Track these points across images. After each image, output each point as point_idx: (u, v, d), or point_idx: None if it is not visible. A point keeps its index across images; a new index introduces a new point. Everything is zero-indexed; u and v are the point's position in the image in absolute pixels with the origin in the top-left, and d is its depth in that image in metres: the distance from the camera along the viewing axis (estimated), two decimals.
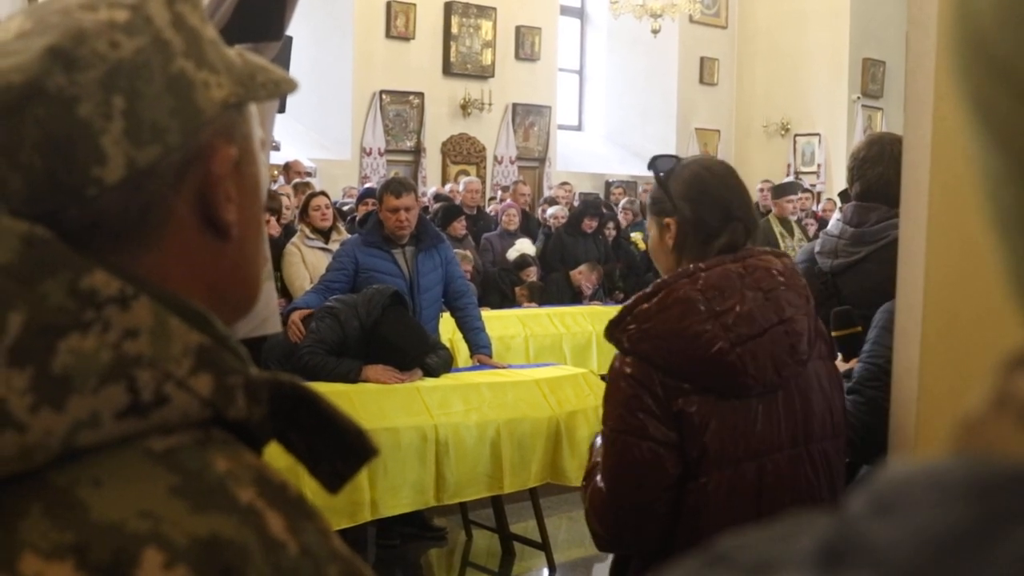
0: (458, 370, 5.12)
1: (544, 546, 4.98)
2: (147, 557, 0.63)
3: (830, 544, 0.32)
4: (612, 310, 8.64)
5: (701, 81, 16.61)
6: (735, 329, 1.97)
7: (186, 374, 0.70)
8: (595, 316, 7.64)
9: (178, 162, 0.75)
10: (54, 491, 0.65)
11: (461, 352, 5.73)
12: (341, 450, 0.78)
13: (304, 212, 6.57)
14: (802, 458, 2.08)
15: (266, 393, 0.75)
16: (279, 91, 0.83)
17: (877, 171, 3.14)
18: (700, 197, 2.11)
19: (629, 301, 2.10)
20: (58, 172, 0.70)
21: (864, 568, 0.31)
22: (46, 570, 0.62)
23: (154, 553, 0.63)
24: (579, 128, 16.61)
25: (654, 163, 2.23)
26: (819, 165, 15.92)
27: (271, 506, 0.69)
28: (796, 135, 16.25)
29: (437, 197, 10.05)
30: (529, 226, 9.57)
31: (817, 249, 3.30)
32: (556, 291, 8.38)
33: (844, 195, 8.79)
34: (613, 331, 2.08)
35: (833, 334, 2.86)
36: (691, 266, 2.04)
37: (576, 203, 10.68)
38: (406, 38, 13.33)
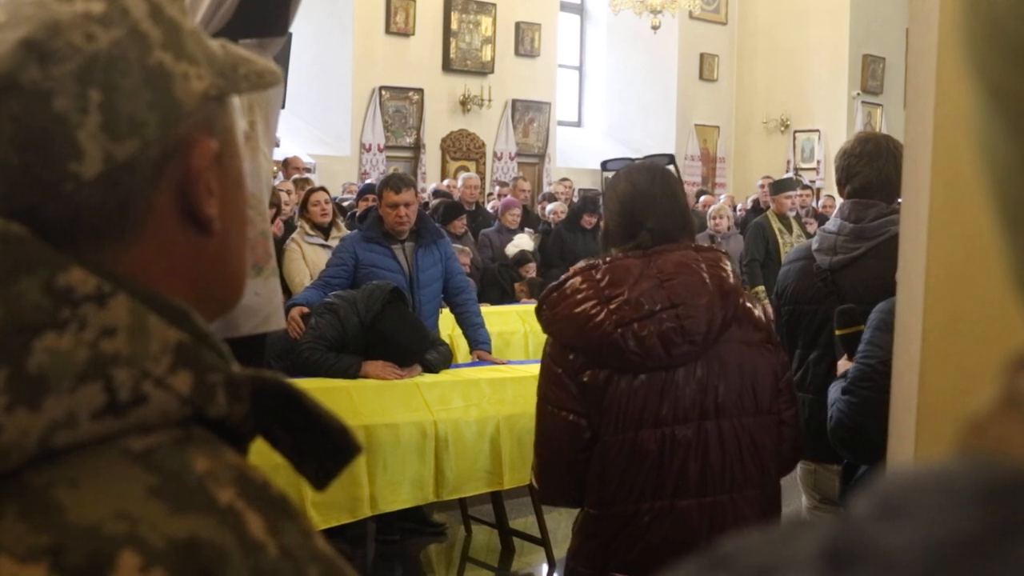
0: (458, 366, 5.12)
1: (544, 542, 4.98)
2: (123, 560, 0.62)
3: (835, 547, 0.32)
4: None
5: (701, 77, 16.60)
6: (620, 312, 2.29)
7: (164, 372, 0.69)
8: None
9: (157, 156, 0.73)
10: (30, 492, 0.64)
11: (460, 348, 5.74)
12: (327, 447, 0.77)
13: (304, 207, 6.57)
14: (710, 430, 2.36)
15: (248, 390, 0.74)
16: (262, 83, 0.82)
17: (876, 166, 3.14)
18: (618, 208, 2.47)
19: (545, 289, 2.45)
20: (34, 167, 0.69)
21: (872, 572, 0.30)
22: (20, 573, 0.61)
23: (130, 556, 0.62)
24: (579, 124, 16.60)
25: (606, 165, 2.42)
26: (818, 161, 15.90)
27: (251, 506, 0.67)
28: (796, 131, 16.25)
29: (436, 193, 10.04)
30: (528, 222, 9.57)
31: (815, 247, 3.29)
32: None
33: None
34: (537, 315, 2.46)
35: (836, 333, 2.86)
36: (596, 260, 2.40)
37: (575, 199, 10.67)
38: (406, 34, 13.32)
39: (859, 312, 2.79)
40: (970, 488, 0.31)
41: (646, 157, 2.59)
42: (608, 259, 2.37)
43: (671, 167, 2.61)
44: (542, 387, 2.42)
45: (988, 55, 0.34)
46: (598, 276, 2.33)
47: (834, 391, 2.69)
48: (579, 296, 2.32)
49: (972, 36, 0.35)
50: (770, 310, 8.24)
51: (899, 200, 3.10)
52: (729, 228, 9.75)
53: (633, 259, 2.35)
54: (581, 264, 2.42)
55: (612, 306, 2.29)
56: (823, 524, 0.34)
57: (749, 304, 2.44)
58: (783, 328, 3.32)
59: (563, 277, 2.41)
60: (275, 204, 6.66)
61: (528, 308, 7.91)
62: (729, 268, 2.42)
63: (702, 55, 16.55)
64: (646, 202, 2.42)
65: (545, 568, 5.11)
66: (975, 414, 0.35)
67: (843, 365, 2.79)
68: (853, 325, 2.79)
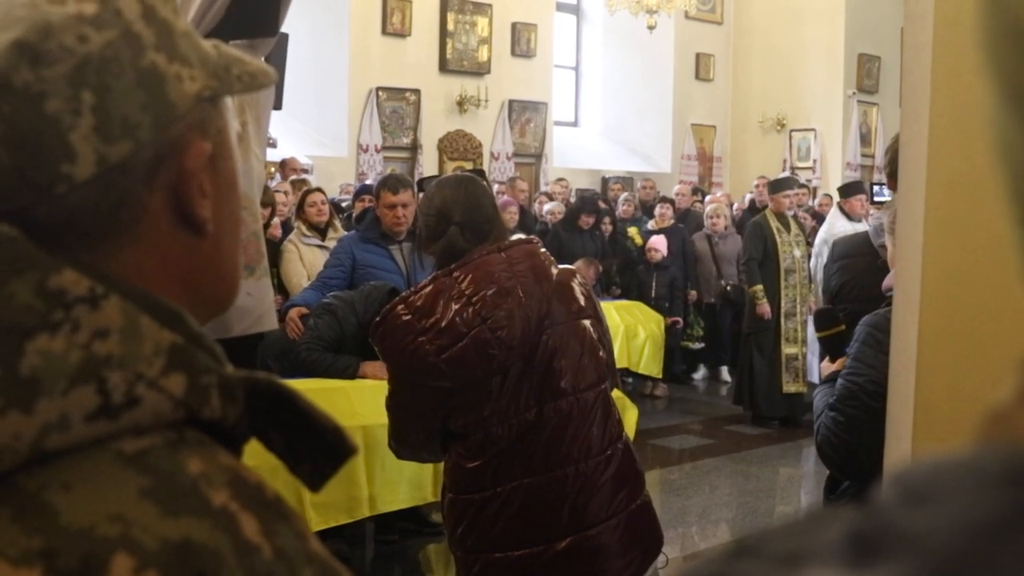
0: None
1: None
2: (117, 562, 0.62)
3: (861, 534, 0.32)
4: (608, 305, 8.54)
5: (697, 77, 16.60)
6: (437, 341, 2.48)
7: (158, 374, 0.68)
8: None
9: (150, 158, 0.73)
10: (23, 496, 0.64)
11: None
12: (321, 448, 0.77)
13: (300, 208, 6.57)
14: (549, 413, 2.59)
15: (241, 392, 0.74)
16: (255, 84, 0.82)
17: None
18: (426, 212, 2.70)
19: (372, 323, 2.63)
20: (26, 169, 0.68)
21: (901, 556, 0.30)
22: None
23: (124, 558, 0.62)
24: (575, 124, 16.60)
25: (421, 184, 2.89)
26: (815, 160, 15.91)
27: (245, 508, 0.67)
28: (792, 131, 16.25)
29: None
30: (525, 222, 9.57)
31: (881, 242, 3.23)
32: None
33: (843, 190, 8.79)
34: (372, 344, 2.67)
35: (817, 335, 2.85)
36: (407, 292, 2.61)
37: (572, 199, 10.67)
38: (402, 35, 13.32)
39: (838, 313, 2.78)
40: (996, 473, 0.31)
41: (422, 179, 2.92)
42: (417, 287, 2.59)
43: (481, 179, 2.93)
44: (399, 404, 2.69)
45: (1008, 57, 0.35)
46: (416, 305, 2.53)
47: (820, 399, 2.66)
48: (400, 330, 2.52)
49: (992, 37, 0.35)
50: (767, 309, 8.25)
51: None
52: (726, 228, 9.76)
53: (441, 281, 2.54)
54: (400, 295, 2.64)
55: (429, 336, 2.49)
56: (848, 512, 0.34)
57: (569, 279, 2.69)
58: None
59: (385, 309, 2.60)
60: (269, 204, 6.68)
61: None
62: (541, 252, 2.66)
63: (698, 55, 16.55)
64: (451, 203, 2.64)
65: None
66: (996, 406, 0.35)
67: (826, 367, 2.76)
68: (833, 327, 2.78)
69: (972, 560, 0.29)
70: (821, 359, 2.85)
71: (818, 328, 2.82)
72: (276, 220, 6.72)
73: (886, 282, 2.63)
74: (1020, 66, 0.34)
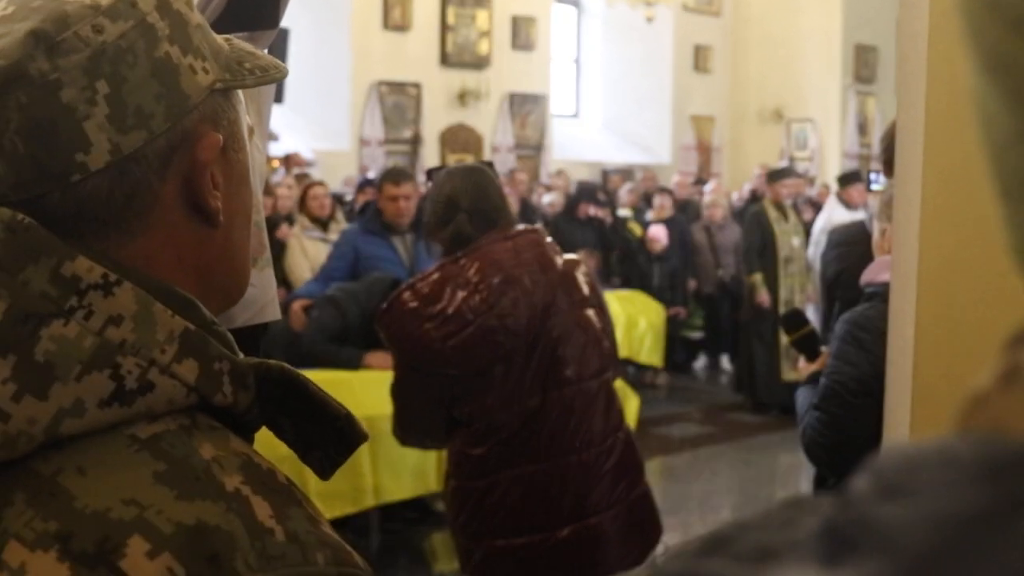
0: None
1: None
2: (132, 545, 0.62)
3: (836, 529, 0.31)
4: (609, 295, 8.59)
5: (696, 68, 16.58)
6: (443, 328, 2.50)
7: (170, 360, 0.69)
8: None
9: (163, 148, 0.74)
10: (38, 480, 0.65)
11: None
12: (332, 436, 0.78)
13: (302, 202, 6.60)
14: (553, 400, 2.60)
15: (253, 379, 0.74)
16: (267, 77, 0.83)
17: None
18: (435, 198, 2.72)
19: (379, 310, 2.66)
20: (41, 158, 0.69)
21: (875, 553, 0.29)
22: (30, 559, 0.62)
23: (139, 541, 0.63)
24: (575, 116, 16.58)
25: (430, 174, 2.90)
26: (813, 150, 15.92)
27: (257, 492, 0.68)
28: (790, 121, 16.25)
29: None
30: (525, 213, 9.59)
31: None
32: None
33: (841, 179, 8.79)
34: (378, 330, 2.70)
35: (788, 338, 2.86)
36: (414, 279, 2.64)
37: (572, 191, 10.67)
38: (403, 29, 13.31)
39: (804, 314, 2.80)
40: (973, 464, 0.30)
41: (430, 169, 3.01)
42: (424, 274, 2.61)
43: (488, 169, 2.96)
44: (404, 391, 2.69)
45: (987, 26, 0.34)
46: (423, 292, 2.54)
47: (802, 399, 2.66)
48: (407, 317, 2.54)
49: (970, 8, 0.35)
50: (767, 297, 8.27)
51: None
52: (724, 218, 9.77)
53: (448, 269, 2.55)
54: (407, 282, 2.64)
55: (435, 323, 2.51)
56: (823, 504, 0.33)
57: (574, 268, 2.69)
58: (835, 317, 3.23)
59: (392, 296, 2.62)
60: (269, 195, 6.69)
61: None
62: (547, 241, 2.67)
63: (696, 46, 16.53)
64: (460, 191, 2.66)
65: None
66: (974, 390, 0.34)
67: (805, 367, 2.77)
68: (801, 328, 2.78)
69: (945, 558, 0.28)
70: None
71: (787, 332, 2.82)
72: (285, 225, 6.73)
73: (864, 276, 2.62)
74: (998, 36, 0.34)
